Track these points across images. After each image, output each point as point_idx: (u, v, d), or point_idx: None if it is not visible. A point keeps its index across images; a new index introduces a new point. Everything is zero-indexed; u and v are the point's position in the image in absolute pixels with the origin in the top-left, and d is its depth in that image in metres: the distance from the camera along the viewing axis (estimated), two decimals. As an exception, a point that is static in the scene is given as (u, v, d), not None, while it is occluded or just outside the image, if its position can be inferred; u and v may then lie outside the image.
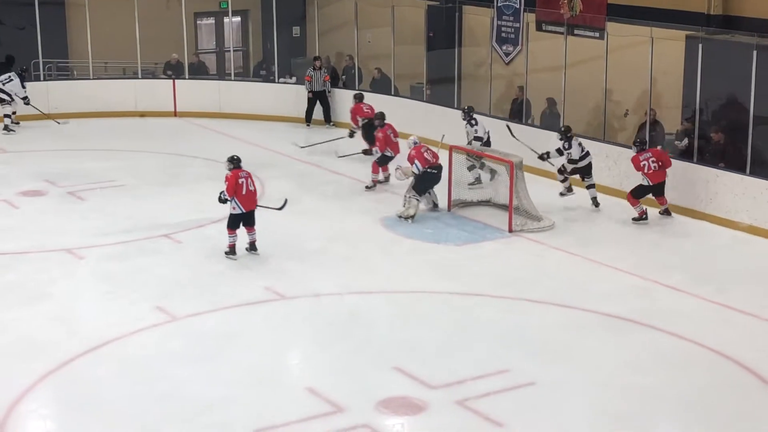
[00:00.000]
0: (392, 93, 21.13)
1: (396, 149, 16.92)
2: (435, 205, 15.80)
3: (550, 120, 18.32)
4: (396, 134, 16.97)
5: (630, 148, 16.60)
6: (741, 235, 14.86)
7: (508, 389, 10.12)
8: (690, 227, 15.30)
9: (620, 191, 16.48)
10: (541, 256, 14.07)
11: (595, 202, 15.82)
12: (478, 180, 16.44)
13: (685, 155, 16.11)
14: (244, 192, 13.47)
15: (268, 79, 23.25)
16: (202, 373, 10.48)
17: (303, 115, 21.56)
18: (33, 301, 12.38)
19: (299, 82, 22.31)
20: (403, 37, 21.19)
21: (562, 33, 17.89)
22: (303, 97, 21.56)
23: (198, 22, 24.92)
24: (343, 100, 21.19)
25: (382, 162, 16.98)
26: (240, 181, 13.44)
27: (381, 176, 17.07)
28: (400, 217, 15.21)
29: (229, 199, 13.45)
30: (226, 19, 24.57)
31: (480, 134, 16.90)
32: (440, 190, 15.86)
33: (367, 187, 16.85)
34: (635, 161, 15.23)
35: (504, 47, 19.57)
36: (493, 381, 10.27)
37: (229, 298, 12.39)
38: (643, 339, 11.38)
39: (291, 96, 22.06)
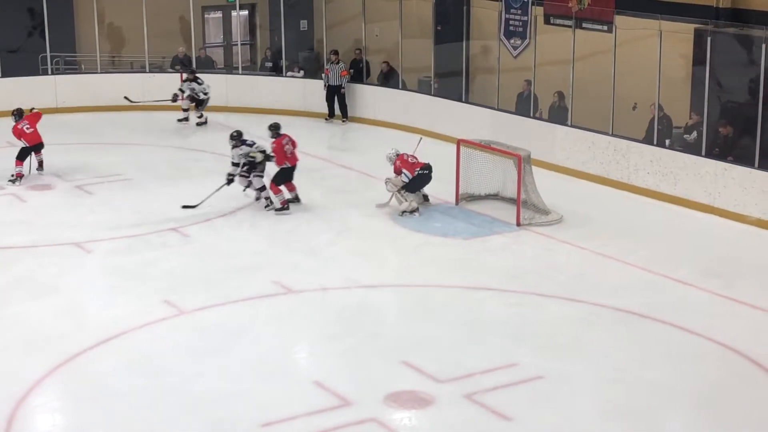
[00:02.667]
0: (400, 87, 21.11)
1: (33, 140, 16.95)
2: (425, 197, 15.75)
3: (558, 113, 18.28)
4: (33, 124, 17.11)
5: (638, 141, 16.64)
6: (750, 229, 14.81)
7: (516, 383, 10.10)
8: (699, 221, 15.26)
9: (629, 185, 16.47)
10: (549, 249, 14.04)
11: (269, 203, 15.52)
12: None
13: (694, 149, 16.06)
14: None
15: (275, 72, 23.19)
16: (209, 366, 10.47)
17: (311, 108, 21.58)
18: (41, 294, 12.39)
19: (306, 75, 22.29)
20: (410, 31, 21.15)
21: (570, 26, 17.84)
22: (310, 91, 21.55)
23: (206, 15, 24.90)
24: (354, 94, 21.19)
25: (21, 156, 17.00)
26: None
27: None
28: (404, 212, 15.17)
29: None
30: (233, 13, 24.55)
31: (236, 161, 15.73)
32: (449, 185, 15.83)
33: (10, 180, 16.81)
34: (278, 145, 15.42)
35: (512, 41, 19.53)
36: (501, 375, 10.25)
37: (236, 291, 12.38)
38: (652, 333, 11.35)
39: (298, 90, 22.05)
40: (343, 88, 21.20)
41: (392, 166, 15.48)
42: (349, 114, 21.30)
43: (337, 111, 21.36)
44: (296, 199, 15.72)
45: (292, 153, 15.63)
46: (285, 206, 15.36)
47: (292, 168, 15.67)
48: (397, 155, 15.52)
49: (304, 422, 9.36)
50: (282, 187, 15.49)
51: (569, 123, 17.73)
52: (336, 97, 21.26)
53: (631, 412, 9.60)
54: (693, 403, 9.87)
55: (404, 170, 15.30)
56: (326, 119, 21.39)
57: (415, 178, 15.28)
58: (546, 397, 9.87)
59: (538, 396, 9.90)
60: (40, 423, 9.64)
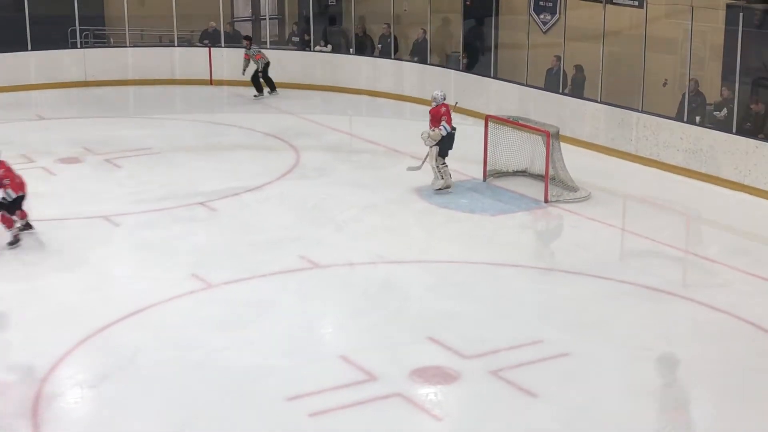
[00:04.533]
0: (428, 62, 21.03)
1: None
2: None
3: (574, 86, 18.14)
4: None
5: (667, 118, 16.51)
6: (780, 207, 14.72)
7: (541, 360, 10.09)
8: (728, 199, 15.16)
9: (658, 162, 16.37)
10: (576, 226, 13.99)
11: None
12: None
13: (724, 126, 15.93)
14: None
15: (302, 47, 23.18)
16: (236, 340, 10.53)
17: (336, 83, 21.60)
18: (70, 267, 12.48)
19: (335, 50, 22.29)
20: (439, 5, 21.06)
21: (600, 2, 17.71)
22: (337, 66, 21.57)
23: (234, -11, 24.93)
24: (382, 68, 21.14)
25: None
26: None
27: None
28: (439, 190, 15.08)
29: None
30: (261, -13, 24.57)
31: None
32: (477, 161, 15.80)
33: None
34: (8, 170, 12.88)
35: (542, 16, 19.41)
36: (527, 351, 10.24)
37: (263, 266, 12.42)
38: (680, 311, 11.31)
39: (325, 64, 22.03)
40: (245, 72, 21.14)
41: (434, 106, 14.99)
42: (375, 88, 21.27)
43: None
44: (28, 226, 13.27)
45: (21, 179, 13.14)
46: (17, 240, 12.99)
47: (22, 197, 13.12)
48: (444, 100, 15.13)
49: (329, 396, 9.39)
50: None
51: (599, 99, 17.62)
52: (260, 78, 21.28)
53: (656, 390, 9.58)
54: (719, 381, 9.82)
55: (445, 122, 14.91)
56: (255, 96, 21.28)
57: (447, 136, 15.00)
58: (571, 375, 9.86)
59: (563, 373, 9.88)
60: (67, 395, 9.72)
